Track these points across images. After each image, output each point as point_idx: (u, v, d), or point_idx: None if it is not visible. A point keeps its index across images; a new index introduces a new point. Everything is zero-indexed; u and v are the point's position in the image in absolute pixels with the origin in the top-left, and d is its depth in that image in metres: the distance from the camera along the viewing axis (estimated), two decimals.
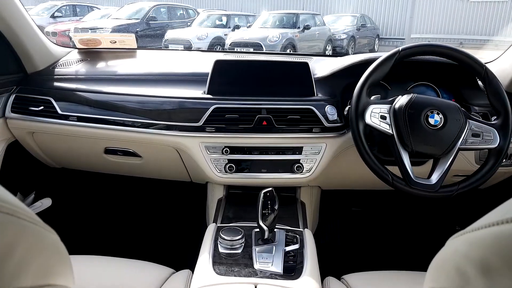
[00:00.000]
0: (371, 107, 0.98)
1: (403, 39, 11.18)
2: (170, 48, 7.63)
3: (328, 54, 8.59)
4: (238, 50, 7.26)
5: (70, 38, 7.71)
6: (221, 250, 0.89)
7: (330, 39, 8.88)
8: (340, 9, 11.65)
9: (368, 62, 1.03)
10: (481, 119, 0.98)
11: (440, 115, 0.94)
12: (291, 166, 1.13)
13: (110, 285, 0.85)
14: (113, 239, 1.54)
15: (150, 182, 1.50)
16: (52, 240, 0.32)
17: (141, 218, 1.69)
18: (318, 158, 1.13)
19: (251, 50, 7.23)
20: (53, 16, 9.61)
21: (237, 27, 8.64)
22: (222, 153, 1.11)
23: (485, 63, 1.31)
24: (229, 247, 0.89)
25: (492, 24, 11.07)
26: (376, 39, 10.78)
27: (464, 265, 0.29)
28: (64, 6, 10.19)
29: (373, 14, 11.61)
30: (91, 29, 7.88)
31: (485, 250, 0.28)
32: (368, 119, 0.97)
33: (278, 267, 0.84)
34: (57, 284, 0.31)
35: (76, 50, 1.44)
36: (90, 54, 1.42)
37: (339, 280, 0.94)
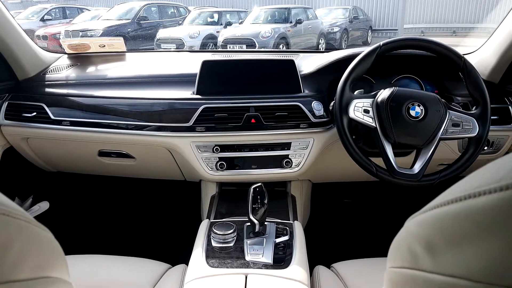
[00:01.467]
0: (354, 101, 1.01)
1: (396, 30, 11.20)
2: (162, 47, 7.62)
3: (321, 48, 8.60)
4: (231, 48, 7.26)
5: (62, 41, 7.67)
6: (214, 244, 0.93)
7: (322, 32, 8.88)
8: (331, 2, 11.64)
9: (352, 57, 1.06)
10: (460, 109, 1.02)
11: (421, 107, 0.98)
12: (280, 162, 1.16)
13: (109, 282, 0.89)
14: (110, 238, 1.57)
15: (144, 182, 1.53)
16: (46, 238, 0.35)
17: (137, 217, 1.72)
18: (306, 152, 1.16)
19: (244, 47, 7.24)
20: (42, 20, 9.54)
21: (229, 23, 8.63)
22: (213, 152, 1.14)
23: (468, 53, 1.35)
24: (221, 241, 0.93)
25: (485, 12, 11.09)
26: (369, 31, 10.78)
27: (414, 244, 0.32)
28: (53, 8, 10.11)
29: (365, 6, 11.61)
30: (81, 31, 7.83)
31: (430, 230, 0.31)
32: (352, 113, 1.00)
33: (268, 258, 0.88)
34: (52, 276, 0.34)
35: (66, 55, 1.46)
36: (80, 59, 1.45)
37: (329, 268, 0.98)
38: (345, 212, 1.68)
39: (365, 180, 1.43)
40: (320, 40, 8.78)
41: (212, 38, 8.11)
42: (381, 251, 1.05)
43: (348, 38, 9.55)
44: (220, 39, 7.83)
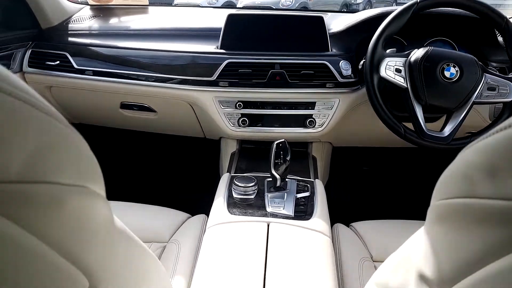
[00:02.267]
0: (386, 60, 0.97)
1: None
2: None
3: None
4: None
5: None
6: (235, 196, 0.93)
7: (345, 3, 8.57)
8: None
9: (384, 15, 1.01)
10: (497, 73, 0.97)
11: (456, 68, 0.94)
12: (303, 121, 1.14)
13: (131, 227, 0.90)
14: (130, 187, 1.60)
15: (164, 138, 1.53)
16: (86, 148, 0.34)
17: (156, 170, 1.74)
18: (331, 113, 1.14)
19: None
20: None
21: None
22: (236, 108, 1.13)
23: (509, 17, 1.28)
24: (242, 193, 0.92)
25: None
26: (394, 3, 10.37)
27: (471, 172, 0.31)
28: None
29: None
30: None
31: (492, 155, 0.29)
32: (383, 72, 0.97)
33: (289, 211, 0.88)
34: (90, 188, 0.34)
35: (89, 6, 1.44)
36: (102, 10, 1.42)
37: (348, 227, 0.98)
38: (363, 179, 1.67)
39: (388, 146, 1.41)
40: (343, 10, 8.50)
41: (231, 5, 7.92)
42: (399, 215, 1.04)
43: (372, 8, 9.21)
44: (239, 6, 7.64)
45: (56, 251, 0.29)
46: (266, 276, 0.68)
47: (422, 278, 0.39)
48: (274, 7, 7.24)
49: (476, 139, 0.33)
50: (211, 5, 7.67)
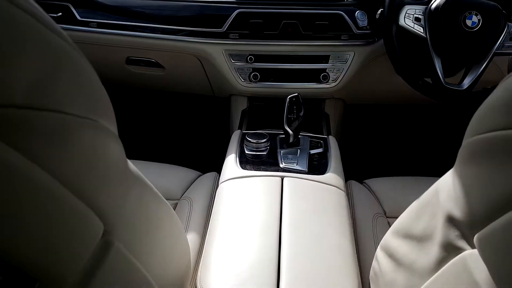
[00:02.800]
0: (406, 7, 0.92)
1: None
2: None
3: None
4: None
5: None
6: (247, 152, 0.91)
7: None
8: None
9: None
10: None
11: (479, 16, 0.89)
12: (317, 76, 1.10)
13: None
14: (139, 146, 1.59)
15: (173, 96, 1.50)
16: (95, 77, 0.32)
17: (166, 128, 1.73)
18: (345, 67, 1.10)
19: None
20: None
21: None
22: (247, 61, 1.09)
23: None
24: (254, 149, 0.91)
25: None
26: None
27: None
28: None
29: None
30: None
31: None
32: (402, 21, 0.92)
33: (303, 167, 0.86)
34: (101, 122, 0.31)
35: None
36: None
37: (361, 183, 0.97)
38: (376, 137, 1.65)
39: (402, 103, 1.37)
40: None
41: None
42: (412, 172, 1.03)
43: None
44: None
45: (67, 187, 0.27)
46: (281, 228, 0.67)
47: (451, 221, 0.37)
48: None
49: None
50: None
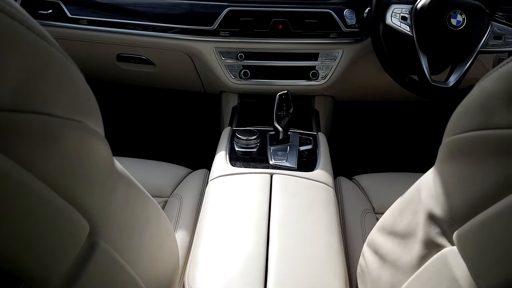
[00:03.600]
0: (393, 7, 0.94)
1: None
2: None
3: None
4: None
5: None
6: (237, 149, 0.93)
7: None
8: None
9: None
10: (504, 21, 0.95)
11: (463, 16, 0.91)
12: (306, 73, 1.12)
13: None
14: (130, 143, 1.59)
15: (163, 93, 1.51)
16: (81, 79, 0.32)
17: (157, 125, 1.73)
18: (334, 65, 1.11)
19: None
20: None
21: None
22: (237, 59, 1.10)
23: None
24: (244, 146, 0.92)
25: None
26: None
27: (489, 101, 0.30)
28: None
29: None
30: None
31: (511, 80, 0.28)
32: (389, 20, 0.94)
33: (292, 163, 0.88)
34: (87, 123, 0.32)
35: None
36: None
37: (350, 180, 0.99)
38: (365, 133, 1.67)
39: (390, 100, 1.40)
40: None
41: None
42: (401, 168, 1.05)
43: None
44: None
45: (53, 189, 0.27)
46: (270, 226, 0.68)
47: (431, 218, 0.38)
48: None
49: (495, 68, 0.31)
50: None
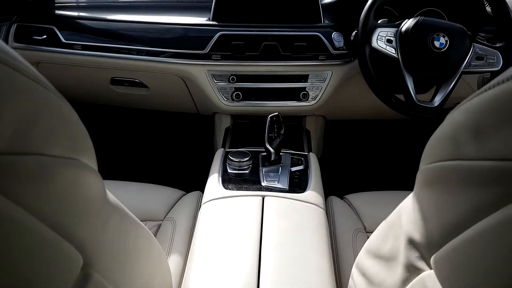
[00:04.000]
0: (378, 30, 0.98)
1: None
2: None
3: None
4: None
5: None
6: (229, 171, 0.94)
7: None
8: None
9: None
10: (485, 42, 0.99)
11: (446, 38, 0.95)
12: (297, 94, 1.14)
13: (126, 205, 0.91)
14: (123, 166, 1.60)
15: (157, 115, 1.52)
16: (74, 117, 0.33)
17: (149, 147, 1.74)
18: (324, 86, 1.14)
19: None
20: None
21: None
22: (229, 81, 1.12)
23: None
24: (237, 168, 0.93)
25: None
26: None
27: (458, 133, 0.31)
28: None
29: None
30: None
31: (479, 114, 0.29)
32: (375, 43, 0.97)
33: (284, 185, 0.89)
34: (81, 160, 0.33)
35: None
36: None
37: (342, 199, 1.00)
38: (356, 152, 1.69)
39: (379, 118, 1.42)
40: None
41: None
42: (391, 186, 1.07)
43: None
44: None
45: (48, 225, 0.28)
46: (261, 250, 0.69)
47: (411, 243, 0.39)
48: None
49: (465, 100, 0.33)
50: None
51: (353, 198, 0.99)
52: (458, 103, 1.02)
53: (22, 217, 0.26)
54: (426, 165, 0.37)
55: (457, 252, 0.31)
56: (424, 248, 0.37)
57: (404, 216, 0.42)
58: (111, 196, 0.41)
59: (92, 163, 0.36)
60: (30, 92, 0.27)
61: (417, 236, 0.38)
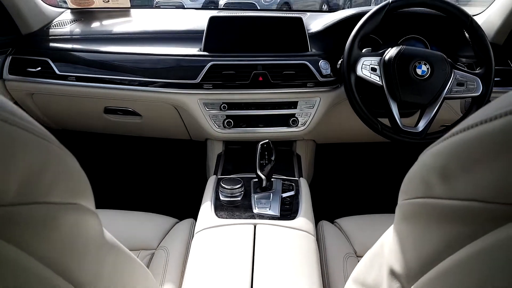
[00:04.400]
0: (362, 59, 1.01)
1: None
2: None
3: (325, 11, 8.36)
4: (233, 8, 7.05)
5: None
6: (222, 198, 0.95)
7: None
8: None
9: (360, 15, 1.05)
10: (465, 69, 1.03)
11: (427, 66, 0.99)
12: (287, 120, 1.17)
13: (119, 235, 0.91)
14: (116, 194, 1.60)
15: (150, 142, 1.54)
16: (76, 167, 0.35)
17: (143, 175, 1.75)
18: (313, 112, 1.17)
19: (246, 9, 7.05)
20: None
21: None
22: (220, 109, 1.15)
23: (474, 14, 1.34)
24: (229, 195, 0.95)
25: None
26: None
27: (428, 174, 0.33)
28: None
29: None
30: None
31: (445, 158, 0.32)
32: (359, 71, 1.00)
33: (275, 211, 0.91)
34: (82, 204, 0.35)
35: (69, 10, 1.43)
36: (84, 14, 1.41)
37: (332, 223, 1.02)
38: (347, 174, 1.72)
39: (368, 141, 1.46)
40: (323, 6, 8.54)
41: (213, 1, 7.86)
42: (382, 209, 1.08)
43: (352, 4, 9.29)
44: (221, 2, 7.58)
45: (49, 267, 0.30)
46: (253, 279, 0.70)
47: (392, 273, 0.41)
48: (255, 3, 7.23)
49: (434, 143, 0.36)
50: (194, 2, 7.62)
51: (344, 222, 1.01)
52: (443, 126, 1.06)
53: (25, 261, 0.28)
54: (402, 201, 0.39)
55: (433, 284, 0.33)
56: (404, 278, 0.39)
57: (386, 247, 0.44)
58: (107, 234, 0.43)
59: (91, 205, 0.38)
60: (33, 147, 0.29)
61: (397, 267, 0.40)
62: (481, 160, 0.27)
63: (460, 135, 0.30)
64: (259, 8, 7.09)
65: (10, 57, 1.22)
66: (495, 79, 1.14)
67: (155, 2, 7.68)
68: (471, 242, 0.29)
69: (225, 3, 7.37)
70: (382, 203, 1.58)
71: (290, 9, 7.53)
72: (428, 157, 0.35)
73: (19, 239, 0.27)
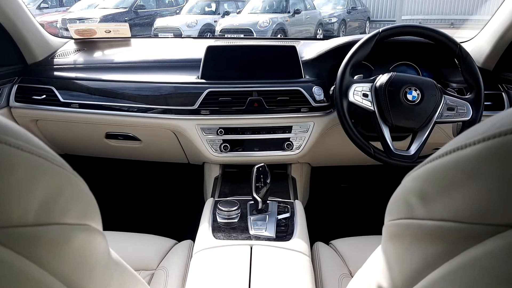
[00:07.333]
0: (354, 86, 1.05)
1: (394, 20, 11.17)
2: (160, 36, 7.59)
3: (319, 38, 8.58)
4: (229, 37, 7.25)
5: (59, 29, 7.62)
6: (219, 220, 0.98)
7: (320, 23, 8.86)
8: None
9: (351, 44, 1.10)
10: (455, 94, 1.07)
11: (418, 91, 1.02)
12: (281, 144, 1.21)
13: (120, 256, 0.93)
14: (115, 216, 1.61)
15: (150, 165, 1.57)
16: (87, 191, 0.39)
17: (142, 197, 1.77)
18: (307, 136, 1.21)
19: (242, 36, 7.24)
20: (39, 8, 9.43)
21: (226, 13, 8.58)
22: (217, 134, 1.19)
23: (464, 41, 1.40)
24: (226, 217, 0.98)
25: (483, 3, 11.05)
26: (367, 21, 10.75)
27: (409, 197, 0.37)
28: None
29: None
30: (78, 19, 7.77)
31: (424, 182, 0.35)
32: (351, 97, 1.05)
33: (271, 233, 0.93)
34: (92, 225, 0.39)
35: (73, 40, 1.49)
36: (86, 44, 1.48)
37: (327, 245, 1.04)
38: (342, 196, 1.74)
39: (362, 164, 1.49)
40: (318, 30, 8.76)
41: (209, 27, 8.07)
42: (376, 230, 1.11)
43: (346, 29, 9.53)
44: (217, 29, 7.79)
45: (63, 282, 0.33)
46: None
47: None
48: (252, 29, 7.43)
49: (415, 168, 0.39)
50: (191, 27, 7.82)
51: (339, 243, 1.03)
52: (436, 149, 1.11)
53: (41, 277, 0.31)
54: (388, 221, 0.42)
55: None
56: None
57: (375, 265, 0.47)
58: (113, 253, 0.46)
59: (99, 226, 0.42)
60: (50, 173, 0.33)
61: (385, 284, 0.43)
62: (457, 184, 0.30)
63: (438, 161, 0.34)
64: (254, 33, 7.31)
65: (17, 85, 1.27)
66: (486, 103, 1.18)
67: (153, 29, 7.93)
68: (448, 260, 0.32)
69: (222, 29, 7.61)
70: (377, 224, 1.60)
71: (285, 36, 7.75)
72: (409, 180, 0.38)
73: (39, 257, 0.30)
